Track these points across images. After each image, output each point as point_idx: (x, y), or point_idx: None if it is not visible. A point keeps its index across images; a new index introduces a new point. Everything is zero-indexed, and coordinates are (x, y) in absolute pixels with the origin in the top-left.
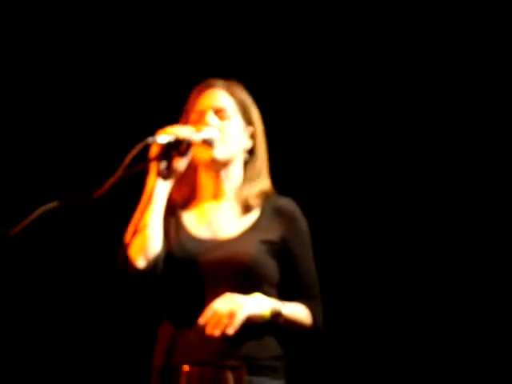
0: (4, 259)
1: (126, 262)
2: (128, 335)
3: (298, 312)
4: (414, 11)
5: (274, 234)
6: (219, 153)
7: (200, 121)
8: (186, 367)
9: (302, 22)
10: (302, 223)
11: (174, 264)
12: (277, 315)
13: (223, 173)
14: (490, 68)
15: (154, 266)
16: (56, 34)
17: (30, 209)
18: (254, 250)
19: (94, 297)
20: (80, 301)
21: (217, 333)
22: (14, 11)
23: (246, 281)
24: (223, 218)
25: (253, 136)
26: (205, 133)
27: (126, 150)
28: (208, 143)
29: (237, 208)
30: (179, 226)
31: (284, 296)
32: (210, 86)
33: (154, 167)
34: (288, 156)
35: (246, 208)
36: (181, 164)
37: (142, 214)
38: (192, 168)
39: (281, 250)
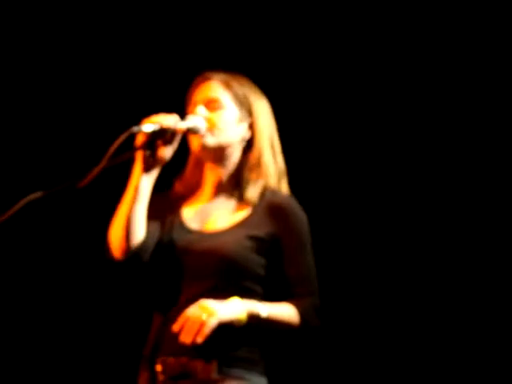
0: None
1: (108, 252)
2: (124, 325)
3: (281, 312)
4: (417, 11)
5: (263, 230)
6: (208, 140)
7: (192, 112)
8: (162, 357)
9: (302, 21)
10: (297, 220)
11: (161, 253)
12: (255, 318)
13: (219, 163)
14: (490, 68)
15: (134, 255)
16: (38, 25)
17: (14, 199)
18: (236, 244)
19: (79, 287)
20: (66, 291)
21: (187, 340)
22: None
23: (226, 275)
24: (217, 211)
25: (251, 127)
26: (189, 122)
27: (111, 139)
28: (193, 132)
29: (233, 202)
30: (177, 217)
31: (275, 293)
32: (206, 79)
33: (139, 156)
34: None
35: (242, 203)
36: (166, 153)
37: (125, 204)
38: (198, 162)
39: (270, 247)
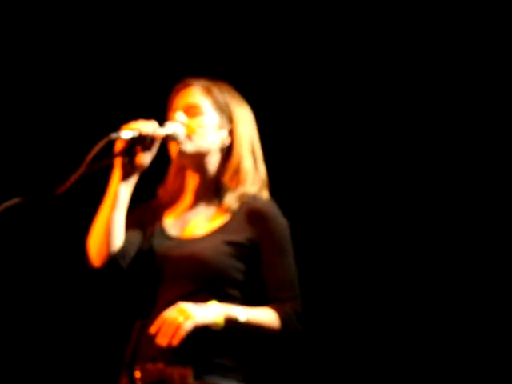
0: None
1: (87, 260)
2: (105, 333)
3: (261, 317)
4: (411, 11)
5: (242, 236)
6: (186, 147)
7: (172, 119)
8: (140, 363)
9: (296, 21)
10: (277, 225)
11: (140, 260)
12: (232, 322)
13: (199, 169)
14: (490, 68)
15: (113, 262)
16: (22, 28)
17: None
18: (213, 250)
19: (58, 295)
20: (45, 300)
21: (163, 343)
22: None
23: (204, 280)
24: (196, 218)
25: (231, 134)
26: (168, 128)
27: (89, 145)
28: (172, 138)
29: (212, 209)
30: (158, 225)
31: (255, 299)
32: (187, 85)
33: (118, 163)
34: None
35: (221, 210)
36: (145, 159)
37: (104, 211)
38: (179, 169)
39: (249, 252)
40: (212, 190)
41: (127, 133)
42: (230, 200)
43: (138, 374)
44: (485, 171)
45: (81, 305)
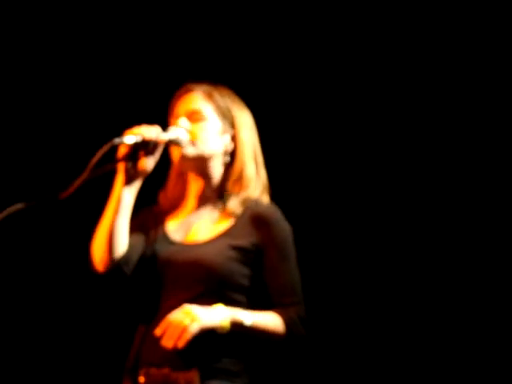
0: None
1: (91, 265)
2: (108, 337)
3: (266, 321)
4: (411, 11)
5: (246, 240)
6: (188, 151)
7: (174, 124)
8: (145, 368)
9: (296, 27)
10: (281, 230)
11: (144, 265)
12: (238, 326)
13: (202, 174)
14: (490, 68)
15: (117, 268)
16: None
17: None
18: (218, 254)
19: (62, 300)
20: (49, 305)
21: (169, 345)
22: None
23: (208, 285)
24: (200, 222)
25: (234, 139)
26: (171, 133)
27: (93, 150)
28: (175, 143)
29: (216, 213)
30: (161, 230)
31: (260, 303)
32: (188, 90)
33: (121, 168)
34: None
35: (225, 214)
36: (148, 164)
37: (108, 216)
38: (180, 174)
39: (254, 257)
40: (215, 195)
41: (130, 138)
42: (234, 205)
43: (142, 379)
44: (485, 171)
45: (84, 309)
